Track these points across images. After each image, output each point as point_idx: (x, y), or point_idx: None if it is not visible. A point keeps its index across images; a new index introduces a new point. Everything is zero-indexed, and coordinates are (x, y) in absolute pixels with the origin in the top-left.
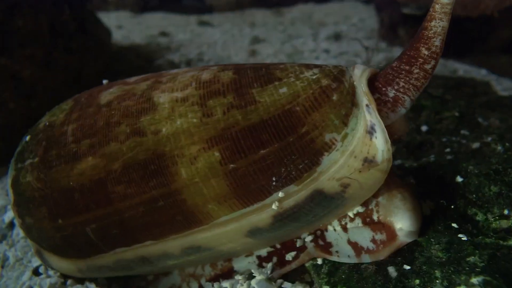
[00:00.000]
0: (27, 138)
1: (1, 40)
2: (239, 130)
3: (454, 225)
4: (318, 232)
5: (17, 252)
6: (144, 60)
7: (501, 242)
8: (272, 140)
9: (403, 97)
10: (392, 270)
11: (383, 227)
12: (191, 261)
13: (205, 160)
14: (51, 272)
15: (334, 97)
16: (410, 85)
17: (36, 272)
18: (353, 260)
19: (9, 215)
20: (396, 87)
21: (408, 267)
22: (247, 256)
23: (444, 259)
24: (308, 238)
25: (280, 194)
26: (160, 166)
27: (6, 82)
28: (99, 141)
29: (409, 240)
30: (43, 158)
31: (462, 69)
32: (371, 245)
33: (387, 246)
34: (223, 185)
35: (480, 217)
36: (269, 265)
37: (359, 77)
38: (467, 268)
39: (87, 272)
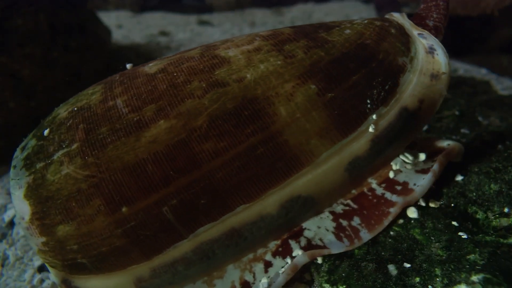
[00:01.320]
0: (46, 131)
1: (1, 39)
2: (326, 63)
3: (454, 223)
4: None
5: (17, 251)
6: (144, 60)
7: (501, 240)
8: (358, 67)
9: (439, 24)
10: (392, 268)
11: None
12: (281, 224)
13: (302, 94)
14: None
15: (393, 31)
16: (441, 15)
17: (40, 270)
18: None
19: (9, 213)
20: (432, 18)
21: (408, 265)
22: (317, 214)
23: (444, 257)
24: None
25: (374, 116)
26: (255, 110)
27: (6, 81)
28: (168, 103)
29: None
30: (87, 140)
31: (462, 68)
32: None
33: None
34: (324, 116)
35: (480, 215)
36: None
37: (401, 18)
38: (467, 266)
39: (149, 280)
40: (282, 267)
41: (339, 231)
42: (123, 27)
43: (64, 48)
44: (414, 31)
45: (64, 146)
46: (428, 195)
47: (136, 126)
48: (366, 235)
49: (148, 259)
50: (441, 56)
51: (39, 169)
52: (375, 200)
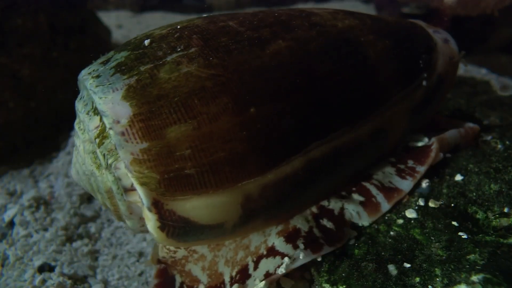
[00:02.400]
0: (146, 42)
1: (0, 39)
2: (390, 30)
3: (454, 223)
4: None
5: (17, 251)
6: None
7: (501, 240)
8: (415, 40)
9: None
10: (392, 268)
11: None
12: (367, 156)
13: (382, 44)
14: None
15: (418, 24)
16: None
17: (40, 270)
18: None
19: (9, 213)
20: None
21: (408, 265)
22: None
23: (444, 257)
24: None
25: (425, 74)
26: (352, 48)
27: (6, 81)
28: (281, 29)
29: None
30: (207, 46)
31: (462, 68)
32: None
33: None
34: (395, 66)
35: (480, 215)
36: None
37: (414, 20)
38: (467, 266)
39: (257, 200)
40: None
41: (400, 172)
42: (123, 27)
43: (64, 48)
44: (429, 29)
45: (179, 50)
46: (428, 195)
47: (258, 41)
48: (421, 168)
49: (262, 173)
50: (453, 44)
51: (145, 71)
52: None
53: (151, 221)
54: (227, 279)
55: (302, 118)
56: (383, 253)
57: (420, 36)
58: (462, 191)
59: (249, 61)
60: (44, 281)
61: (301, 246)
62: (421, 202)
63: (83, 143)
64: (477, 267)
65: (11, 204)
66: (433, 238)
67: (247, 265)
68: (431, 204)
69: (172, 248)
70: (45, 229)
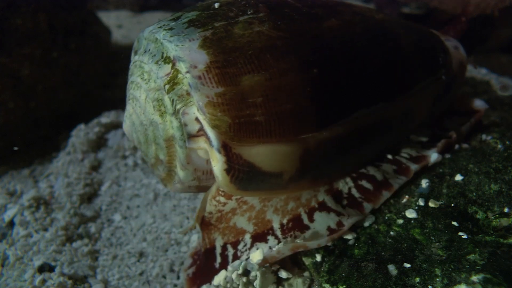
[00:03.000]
0: (216, 5)
1: (0, 38)
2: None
3: (454, 223)
4: None
5: (17, 251)
6: None
7: (501, 240)
8: (434, 43)
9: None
10: (392, 268)
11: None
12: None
13: (411, 38)
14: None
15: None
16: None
17: (40, 270)
18: None
19: (9, 213)
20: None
21: (408, 265)
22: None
23: (444, 257)
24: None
25: (443, 70)
26: (388, 37)
27: (5, 82)
28: (331, 11)
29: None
30: (273, 13)
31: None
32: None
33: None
34: (421, 53)
35: (480, 215)
36: None
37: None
38: (467, 266)
39: (313, 153)
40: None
41: (424, 144)
42: (123, 27)
43: (64, 48)
44: (442, 37)
45: (249, 12)
46: (428, 195)
47: (315, 16)
48: (442, 142)
49: (319, 129)
50: (462, 51)
51: (219, 26)
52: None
53: (219, 162)
54: (276, 225)
55: (352, 86)
56: (383, 253)
57: (437, 39)
58: (462, 191)
59: (311, 30)
60: (44, 281)
61: (347, 204)
62: (421, 202)
63: (146, 92)
64: (477, 267)
65: (11, 204)
66: (433, 238)
67: (299, 215)
68: (431, 204)
69: (222, 200)
70: (45, 229)
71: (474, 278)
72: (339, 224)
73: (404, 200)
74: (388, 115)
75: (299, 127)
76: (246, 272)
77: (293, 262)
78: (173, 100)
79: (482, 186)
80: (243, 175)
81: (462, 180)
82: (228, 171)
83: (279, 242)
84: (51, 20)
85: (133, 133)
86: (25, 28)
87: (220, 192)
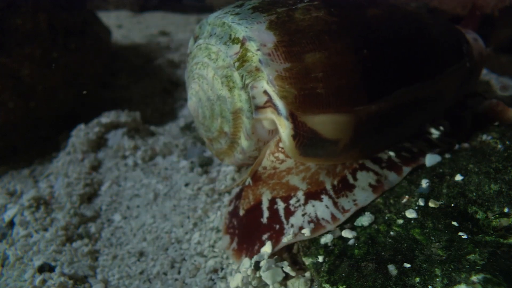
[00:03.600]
0: None
1: (0, 38)
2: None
3: (454, 223)
4: None
5: (17, 251)
6: (143, 60)
7: (501, 240)
8: (457, 35)
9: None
10: (392, 268)
11: None
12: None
13: (439, 29)
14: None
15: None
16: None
17: (40, 270)
18: None
19: (9, 213)
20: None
21: (408, 265)
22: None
23: (444, 257)
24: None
25: (467, 58)
26: (423, 24)
27: (5, 82)
28: (371, 2)
29: None
30: (325, 2)
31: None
32: None
33: None
34: (450, 41)
35: (480, 215)
36: None
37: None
38: (467, 266)
39: (364, 125)
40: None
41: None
42: (123, 27)
43: (64, 48)
44: (461, 30)
45: (305, 1)
46: (428, 195)
47: (359, 5)
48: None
49: (368, 103)
50: (481, 42)
51: (282, 12)
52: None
53: (287, 129)
54: (328, 186)
55: (395, 66)
56: (383, 253)
57: (458, 31)
58: (462, 191)
59: (358, 17)
60: (44, 281)
61: (385, 166)
62: (421, 202)
63: (214, 70)
64: (477, 267)
65: (11, 204)
66: (433, 238)
67: (345, 176)
68: (431, 204)
69: (281, 157)
70: (45, 229)
71: (474, 278)
72: (378, 181)
73: (404, 200)
74: (423, 94)
75: (353, 100)
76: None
77: (293, 262)
78: (242, 76)
79: (482, 186)
80: (306, 141)
81: (462, 180)
82: (294, 137)
83: (333, 201)
84: (51, 20)
85: (198, 108)
86: (25, 28)
87: (280, 149)
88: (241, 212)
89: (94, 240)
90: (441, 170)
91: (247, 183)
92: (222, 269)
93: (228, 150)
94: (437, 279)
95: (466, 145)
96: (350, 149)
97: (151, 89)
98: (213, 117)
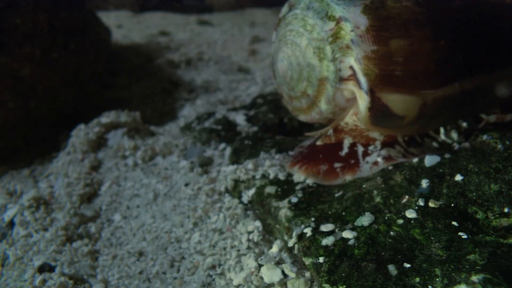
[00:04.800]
0: None
1: (0, 38)
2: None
3: (454, 223)
4: None
5: (17, 251)
6: (143, 60)
7: (501, 240)
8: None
9: None
10: (392, 268)
11: None
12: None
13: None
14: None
15: None
16: None
17: (40, 270)
18: None
19: (9, 213)
20: None
21: (408, 265)
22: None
23: (444, 257)
24: None
25: None
26: (493, 12)
27: (5, 81)
28: None
29: None
30: None
31: None
32: None
33: None
34: None
35: (480, 215)
36: None
37: None
38: (467, 266)
39: (429, 107)
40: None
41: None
42: (123, 27)
43: (63, 48)
44: None
45: None
46: (428, 195)
47: (442, 3)
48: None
49: (437, 88)
50: None
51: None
52: None
53: (365, 101)
54: (400, 139)
55: (466, 57)
56: (383, 253)
57: None
58: (462, 191)
59: (442, 8)
60: (44, 281)
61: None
62: (421, 202)
63: (308, 40)
64: (477, 267)
65: (11, 204)
66: (433, 238)
67: (414, 136)
68: (431, 204)
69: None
70: (45, 229)
71: (474, 278)
72: (441, 148)
73: (404, 200)
74: (484, 85)
75: (424, 85)
76: None
77: (292, 263)
78: (333, 50)
79: (482, 186)
80: (379, 113)
81: (462, 180)
82: (370, 109)
83: (404, 150)
84: (51, 20)
85: (288, 71)
86: (25, 28)
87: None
88: (319, 143)
89: (94, 240)
90: (441, 170)
91: (328, 134)
92: (220, 265)
93: (306, 109)
94: (437, 279)
95: (466, 145)
96: (412, 125)
97: (151, 89)
98: (300, 80)
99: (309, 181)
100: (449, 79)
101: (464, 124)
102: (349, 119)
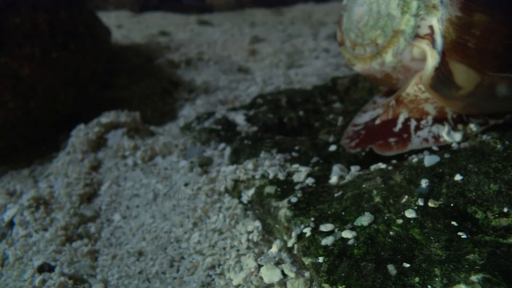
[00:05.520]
0: None
1: (0, 39)
2: None
3: (453, 223)
4: None
5: (17, 251)
6: (143, 60)
7: (500, 240)
8: None
9: None
10: (391, 268)
11: None
12: None
13: None
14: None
15: None
16: None
17: (40, 270)
18: None
19: (9, 213)
20: None
21: (407, 265)
22: None
23: (443, 257)
24: None
25: None
26: None
27: (5, 81)
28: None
29: None
30: None
31: None
32: None
33: None
34: None
35: (479, 215)
36: None
37: None
38: (467, 266)
39: (482, 88)
40: None
41: None
42: (123, 27)
43: (63, 48)
44: None
45: None
46: (428, 195)
47: None
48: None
49: (495, 72)
50: None
51: None
52: None
53: (434, 60)
54: (449, 116)
55: None
56: (382, 253)
57: None
58: (461, 191)
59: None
60: (44, 281)
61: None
62: (420, 202)
63: None
64: (477, 267)
65: (10, 204)
66: (432, 238)
67: (462, 115)
68: (430, 204)
69: (423, 88)
70: (45, 229)
71: (474, 278)
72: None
73: (404, 200)
74: None
75: (488, 64)
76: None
77: (292, 263)
78: (419, 6)
79: (482, 186)
80: (442, 77)
81: (462, 180)
82: (436, 69)
83: (452, 127)
84: (51, 20)
85: (365, 16)
86: (24, 28)
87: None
88: (377, 121)
89: (93, 240)
90: (440, 170)
91: (391, 104)
92: (219, 265)
93: (368, 58)
94: (437, 279)
95: (466, 144)
96: (463, 100)
97: (151, 89)
98: (374, 27)
99: (309, 181)
100: (508, 67)
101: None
102: (411, 89)
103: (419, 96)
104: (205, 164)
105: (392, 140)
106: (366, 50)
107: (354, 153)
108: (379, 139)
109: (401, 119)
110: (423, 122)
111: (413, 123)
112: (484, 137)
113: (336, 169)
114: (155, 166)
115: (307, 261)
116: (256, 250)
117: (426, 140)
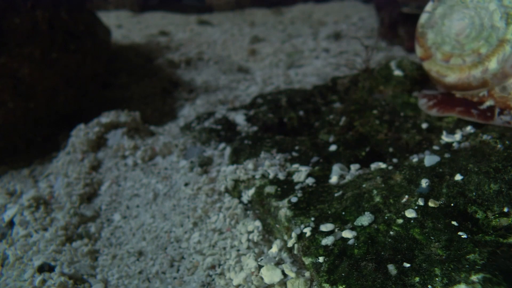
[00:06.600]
0: None
1: (0, 39)
2: None
3: (454, 223)
4: None
5: (17, 251)
6: (143, 59)
7: (501, 239)
8: None
9: None
10: (391, 268)
11: None
12: None
13: None
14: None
15: None
16: None
17: (40, 270)
18: None
19: (9, 213)
20: None
21: (408, 265)
22: None
23: (444, 257)
24: None
25: None
26: None
27: (5, 81)
28: None
29: None
30: None
31: None
32: None
33: None
34: None
35: (480, 215)
36: None
37: None
38: (467, 266)
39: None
40: None
41: None
42: (123, 27)
43: (63, 48)
44: None
45: None
46: (428, 195)
47: None
48: None
49: None
50: None
51: None
52: None
53: None
54: None
55: None
56: (382, 253)
57: None
58: (461, 191)
59: None
60: (44, 281)
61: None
62: (420, 202)
63: (498, 6)
64: (477, 266)
65: (10, 204)
66: (432, 237)
67: None
68: (430, 204)
69: None
70: (45, 229)
71: (474, 277)
72: None
73: (404, 200)
74: None
75: None
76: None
77: (292, 262)
78: None
79: (482, 186)
80: None
81: (462, 179)
82: None
83: None
84: (51, 20)
85: (467, 29)
86: (24, 28)
87: None
88: (458, 95)
89: (93, 240)
90: (440, 170)
91: (481, 95)
92: (219, 265)
93: (466, 67)
94: (437, 279)
95: (466, 144)
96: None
97: (151, 89)
98: (476, 39)
99: (309, 181)
100: None
101: None
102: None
103: None
104: (205, 164)
105: (474, 111)
106: (466, 60)
107: (429, 114)
108: (460, 106)
109: (487, 103)
110: (506, 111)
111: (497, 110)
112: (485, 137)
113: (336, 168)
114: (155, 166)
115: (307, 261)
116: (256, 250)
117: (509, 122)
